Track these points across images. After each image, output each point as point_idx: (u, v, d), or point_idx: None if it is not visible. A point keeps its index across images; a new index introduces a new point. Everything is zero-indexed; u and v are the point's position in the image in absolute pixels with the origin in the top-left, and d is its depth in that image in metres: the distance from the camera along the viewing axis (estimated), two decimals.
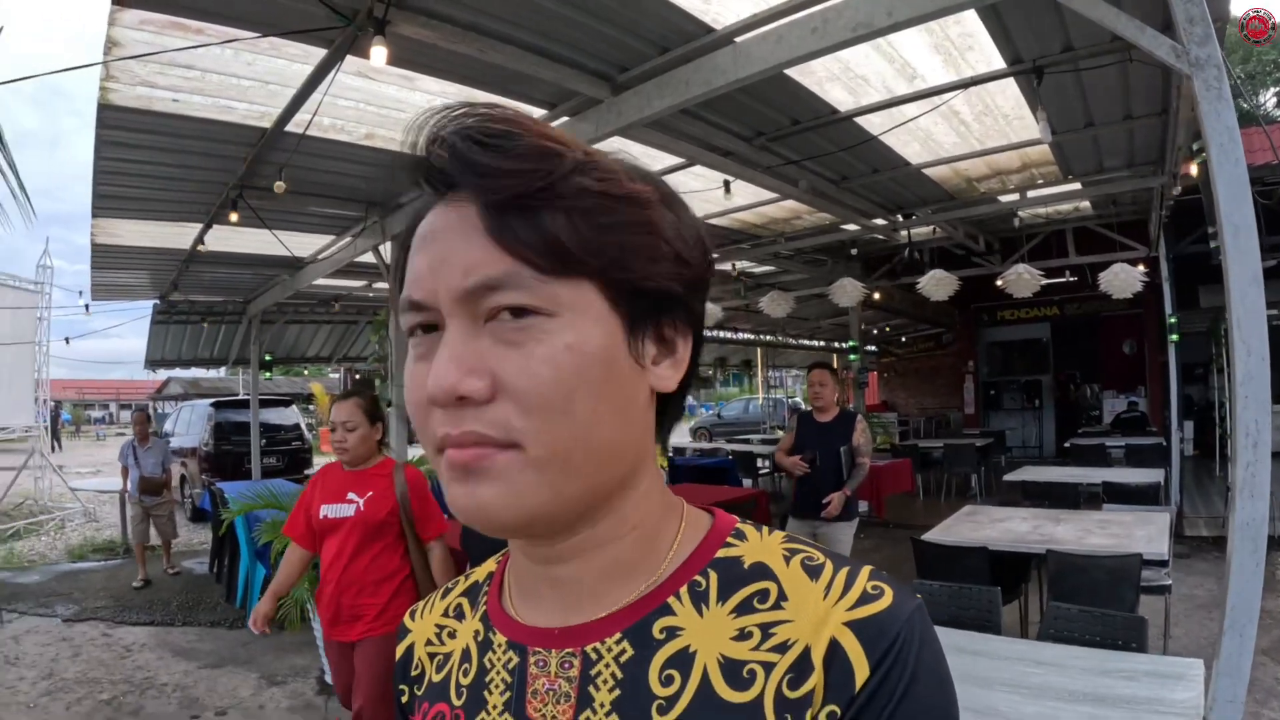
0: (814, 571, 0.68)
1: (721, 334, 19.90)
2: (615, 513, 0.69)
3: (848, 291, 10.57)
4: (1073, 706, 2.71)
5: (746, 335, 21.20)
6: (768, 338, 21.92)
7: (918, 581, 4.41)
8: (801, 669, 0.62)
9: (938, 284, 9.86)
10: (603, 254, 0.63)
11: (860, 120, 5.69)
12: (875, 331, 21.48)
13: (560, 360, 0.61)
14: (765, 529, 0.75)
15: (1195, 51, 2.88)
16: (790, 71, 4.42)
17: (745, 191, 7.24)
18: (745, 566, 0.70)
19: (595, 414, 0.63)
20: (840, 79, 4.91)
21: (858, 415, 5.85)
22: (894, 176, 7.35)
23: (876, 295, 12.70)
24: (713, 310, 12.23)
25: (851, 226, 8.99)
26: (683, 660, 0.66)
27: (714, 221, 8.54)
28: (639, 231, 0.65)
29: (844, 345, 16.61)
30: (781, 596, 0.67)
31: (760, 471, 13.53)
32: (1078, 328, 17.83)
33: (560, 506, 0.64)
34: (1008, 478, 8.63)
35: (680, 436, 25.24)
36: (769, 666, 0.63)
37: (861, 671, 0.61)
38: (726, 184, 6.65)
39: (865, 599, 0.65)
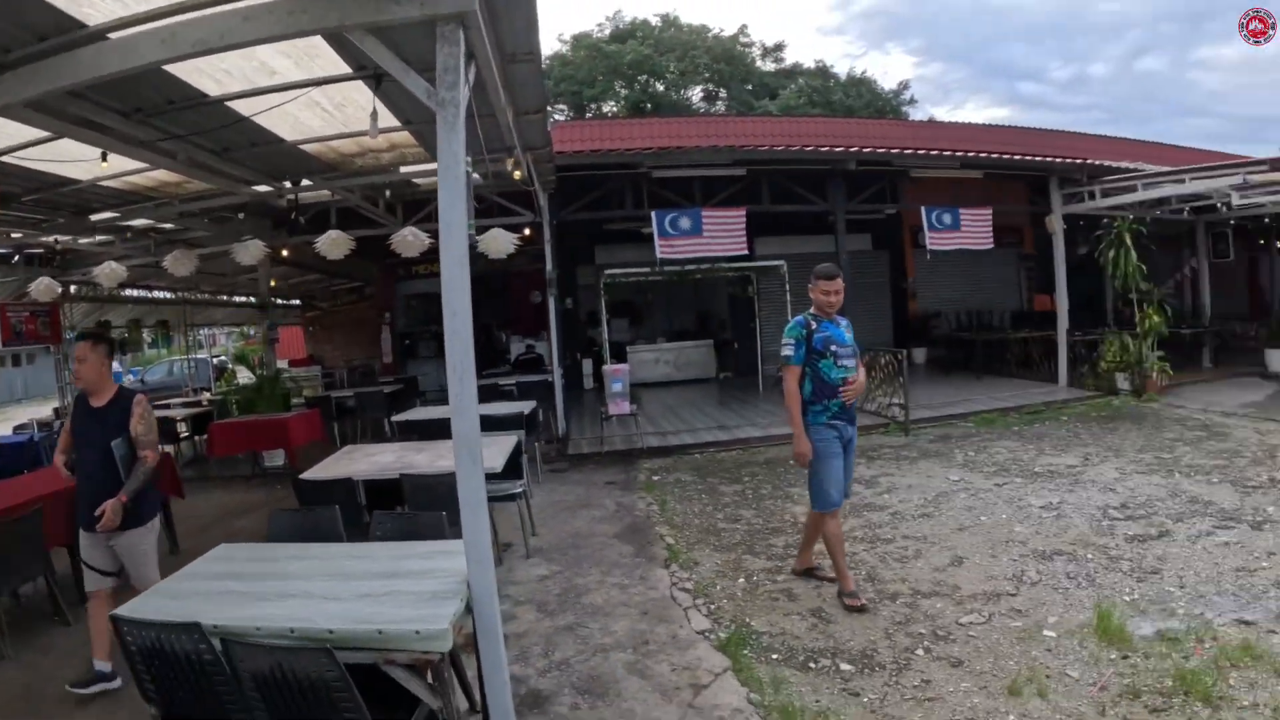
0: None
1: (135, 293, 19.19)
2: None
3: (250, 250, 11.25)
4: (370, 582, 3.77)
5: (163, 294, 20.48)
6: (184, 295, 21.20)
7: (275, 511, 5.31)
8: None
9: (333, 243, 10.89)
10: None
11: (232, 104, 6.42)
12: (284, 285, 21.97)
13: None
14: None
15: (443, 94, 3.84)
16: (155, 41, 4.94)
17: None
18: None
19: None
20: (206, 71, 5.60)
21: (135, 397, 5.21)
22: (272, 150, 8.12)
23: (285, 252, 13.40)
24: (117, 270, 12.22)
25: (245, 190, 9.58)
26: None
27: (106, 184, 8.76)
28: None
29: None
30: None
31: (182, 436, 13.56)
32: (490, 280, 19.57)
33: None
34: (396, 418, 9.98)
35: None
36: None
37: None
38: (104, 154, 6.90)
39: None
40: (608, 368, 12.73)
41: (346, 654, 3.09)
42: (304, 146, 8.20)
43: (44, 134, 6.40)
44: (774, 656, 5.03)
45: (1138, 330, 15.40)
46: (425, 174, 9.93)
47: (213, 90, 6.08)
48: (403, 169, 9.63)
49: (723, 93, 47.23)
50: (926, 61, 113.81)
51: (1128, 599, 5.85)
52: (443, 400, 12.59)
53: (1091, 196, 16.06)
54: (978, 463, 10.26)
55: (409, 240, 11.03)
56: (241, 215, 11.58)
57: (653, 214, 13.18)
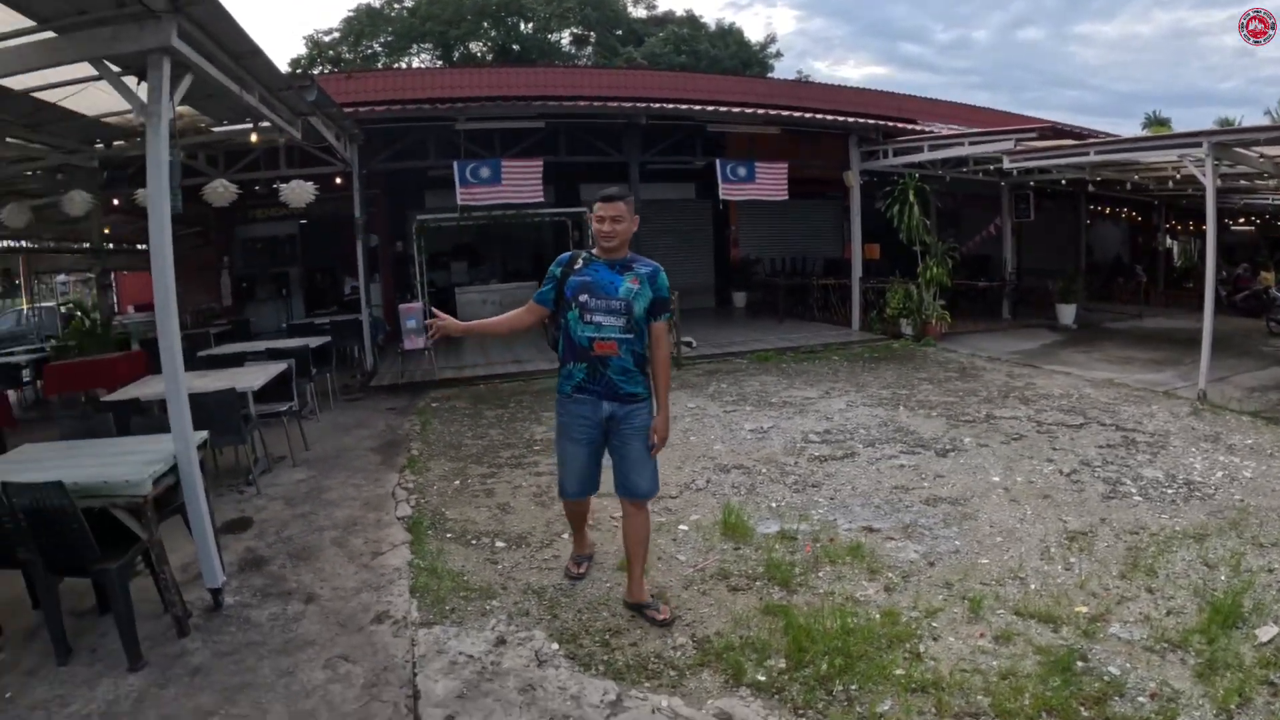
0: None
1: None
2: None
3: (75, 201, 12.49)
4: (111, 458, 5.24)
5: (8, 244, 21.22)
6: (25, 244, 22.15)
7: (60, 417, 7.04)
8: None
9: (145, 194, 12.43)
10: None
11: (36, 94, 7.97)
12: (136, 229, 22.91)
13: None
14: None
15: (151, 107, 5.26)
16: None
17: None
18: None
19: None
20: None
21: None
22: (79, 122, 9.55)
23: (115, 201, 14.77)
24: None
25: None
26: None
27: None
28: None
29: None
30: None
31: (24, 381, 14.83)
32: (327, 225, 20.55)
33: None
34: (200, 354, 11.51)
35: None
36: None
37: None
38: None
39: None
40: (403, 306, 14.49)
41: (88, 501, 4.65)
42: (106, 119, 9.65)
43: None
44: (448, 535, 6.58)
45: (919, 280, 17.25)
46: (224, 134, 11.18)
47: (14, 84, 7.47)
48: (207, 134, 11.01)
49: (592, 36, 48.08)
50: (810, 16, 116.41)
51: (772, 505, 6.94)
52: (278, 339, 14.41)
53: (886, 155, 17.95)
54: (723, 393, 11.86)
55: (219, 191, 12.44)
56: (60, 175, 12.97)
57: (454, 164, 14.72)
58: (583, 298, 4.71)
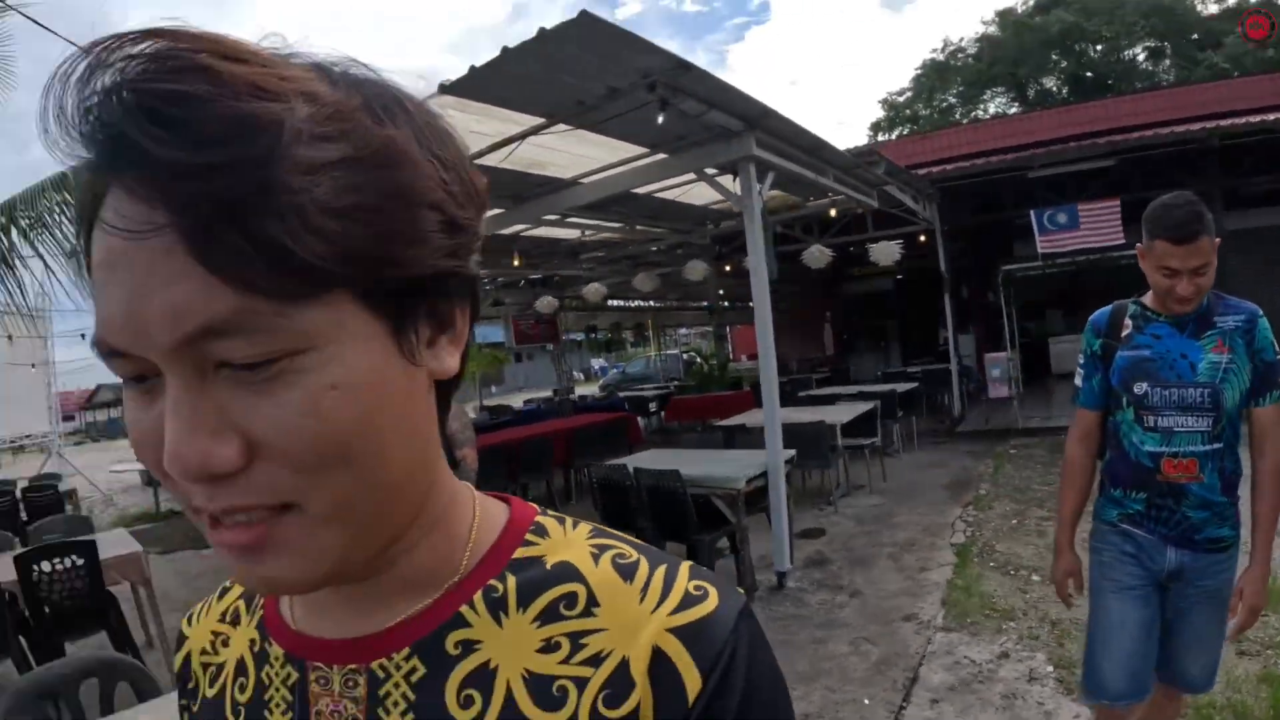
0: (627, 571, 0.63)
1: (615, 303, 24.54)
2: (413, 523, 0.62)
3: (694, 269, 15.14)
4: (716, 462, 7.06)
5: (638, 303, 26.14)
6: (653, 304, 26.89)
7: (685, 434, 9.05)
8: (619, 684, 0.57)
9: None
10: (356, 254, 0.50)
11: (658, 195, 10.38)
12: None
13: (325, 406, 0.50)
14: (569, 521, 0.70)
15: (744, 200, 7.01)
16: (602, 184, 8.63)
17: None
18: (548, 567, 0.64)
19: (381, 448, 0.54)
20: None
21: None
22: (687, 210, 11.98)
23: (728, 268, 17.45)
24: (600, 288, 16.82)
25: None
26: (483, 678, 0.59)
27: (589, 240, 13.18)
28: (398, 205, 0.52)
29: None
30: (592, 601, 0.61)
31: (651, 411, 18.76)
32: (921, 280, 21.40)
33: (365, 550, 0.57)
34: (802, 393, 13.53)
35: (589, 390, 30.41)
36: (581, 682, 0.58)
37: (693, 684, 0.57)
38: (582, 229, 11.45)
39: (688, 601, 0.61)
40: (989, 355, 15.17)
41: (694, 489, 6.40)
42: (712, 207, 11.95)
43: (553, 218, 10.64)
44: (990, 564, 7.21)
45: None
46: (813, 208, 13.10)
47: (640, 191, 9.76)
48: (797, 210, 13.09)
49: (1167, 47, 44.05)
50: None
51: None
52: (873, 384, 16.11)
53: None
54: None
55: (815, 255, 14.15)
56: (680, 250, 15.88)
57: (1031, 213, 14.41)
58: (1139, 387, 2.87)
